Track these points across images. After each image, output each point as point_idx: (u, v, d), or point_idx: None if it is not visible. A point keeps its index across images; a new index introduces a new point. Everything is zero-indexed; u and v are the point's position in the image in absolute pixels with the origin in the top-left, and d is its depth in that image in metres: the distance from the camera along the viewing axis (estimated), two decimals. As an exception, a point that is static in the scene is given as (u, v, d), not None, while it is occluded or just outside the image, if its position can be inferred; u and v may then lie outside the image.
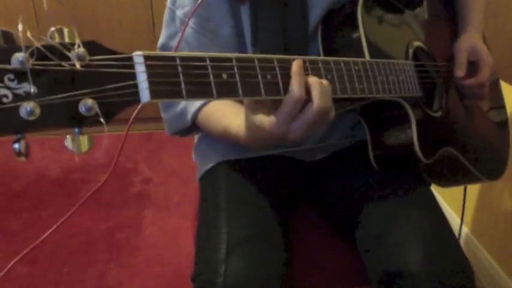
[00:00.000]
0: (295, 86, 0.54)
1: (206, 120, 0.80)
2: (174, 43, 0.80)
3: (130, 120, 0.58)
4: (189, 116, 0.81)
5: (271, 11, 0.77)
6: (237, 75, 0.50)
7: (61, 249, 1.57)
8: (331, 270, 0.86)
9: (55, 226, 0.68)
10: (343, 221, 0.86)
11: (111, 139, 0.43)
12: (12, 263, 0.70)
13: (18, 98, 0.37)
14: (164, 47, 0.84)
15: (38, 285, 1.44)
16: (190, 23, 0.79)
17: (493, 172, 1.01)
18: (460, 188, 1.13)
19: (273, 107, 0.57)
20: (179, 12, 0.80)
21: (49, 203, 1.82)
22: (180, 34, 0.75)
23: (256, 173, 0.86)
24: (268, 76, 0.53)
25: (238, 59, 0.51)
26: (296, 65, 0.55)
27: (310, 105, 0.55)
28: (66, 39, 0.39)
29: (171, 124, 0.86)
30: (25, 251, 0.64)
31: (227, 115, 0.73)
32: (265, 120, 0.58)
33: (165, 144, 2.24)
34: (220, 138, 0.80)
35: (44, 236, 0.68)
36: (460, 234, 1.17)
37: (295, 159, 0.92)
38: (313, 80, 0.56)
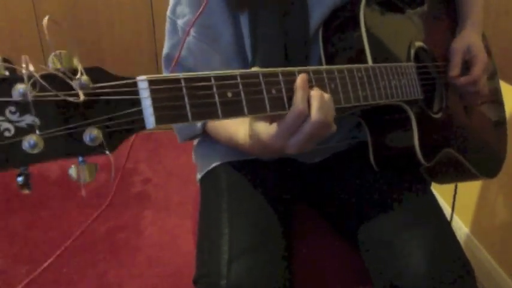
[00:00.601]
0: (298, 100, 0.54)
1: (214, 128, 0.81)
2: (178, 52, 0.80)
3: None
4: (199, 124, 0.83)
5: (271, 18, 0.77)
6: (242, 93, 0.49)
7: (61, 249, 1.57)
8: (331, 270, 0.86)
9: (78, 233, 0.67)
10: (344, 222, 0.86)
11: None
12: (36, 272, 0.69)
13: (20, 131, 0.36)
14: (169, 57, 0.84)
15: (38, 285, 1.44)
16: (192, 32, 0.79)
17: (490, 170, 1.01)
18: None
19: (274, 117, 0.57)
20: (180, 22, 0.80)
21: (49, 203, 1.82)
22: (182, 44, 0.76)
23: (257, 174, 0.86)
24: (273, 91, 0.53)
25: (242, 76, 0.50)
26: (300, 78, 0.55)
27: (308, 119, 0.55)
28: (66, 64, 0.38)
29: (182, 132, 0.87)
30: (50, 259, 0.63)
31: (233, 123, 0.74)
32: (264, 131, 0.58)
33: (165, 144, 2.24)
34: (227, 145, 0.81)
35: (68, 242, 0.66)
36: (451, 220, 1.17)
37: (296, 161, 0.92)
38: (314, 93, 0.55)
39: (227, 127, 0.75)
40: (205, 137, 0.91)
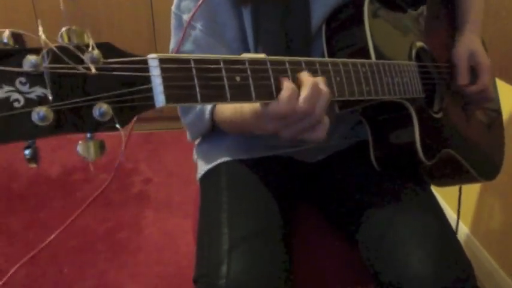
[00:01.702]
0: (282, 97, 0.53)
1: (220, 111, 0.80)
2: (185, 47, 0.80)
3: (132, 122, 0.57)
4: (207, 112, 0.81)
5: (273, 13, 0.77)
6: (250, 78, 0.50)
7: (61, 249, 1.57)
8: (331, 270, 0.86)
9: (62, 227, 0.67)
10: (344, 222, 0.86)
11: (111, 139, 0.43)
12: (18, 265, 0.69)
13: (30, 102, 0.35)
14: (176, 52, 0.84)
15: (38, 286, 1.44)
16: (199, 26, 0.79)
17: (489, 173, 1.01)
18: (457, 186, 1.14)
19: None
20: (186, 17, 0.80)
21: (49, 203, 1.82)
22: (188, 37, 0.76)
23: (258, 173, 0.86)
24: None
25: (251, 61, 0.50)
26: (287, 80, 0.54)
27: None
28: (77, 40, 0.38)
29: (192, 128, 0.87)
30: (31, 254, 0.63)
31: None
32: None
33: (165, 144, 2.24)
34: (234, 128, 0.79)
35: (51, 237, 0.67)
36: (457, 229, 1.17)
37: (297, 160, 0.92)
38: (307, 78, 0.55)
39: (232, 106, 0.74)
40: (207, 135, 0.90)
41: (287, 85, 0.53)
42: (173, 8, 0.83)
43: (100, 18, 2.20)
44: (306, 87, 0.54)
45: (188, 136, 0.90)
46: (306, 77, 0.55)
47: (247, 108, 0.67)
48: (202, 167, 0.92)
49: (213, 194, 0.84)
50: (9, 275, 0.76)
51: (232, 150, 0.88)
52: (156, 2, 2.17)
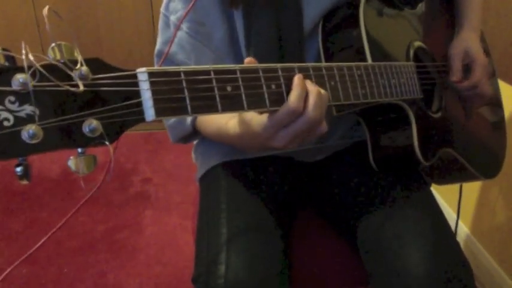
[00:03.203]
0: (294, 98, 0.53)
1: (203, 122, 0.80)
2: (170, 48, 0.80)
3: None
4: (189, 119, 0.82)
5: (265, 15, 0.77)
6: (241, 87, 0.49)
7: (61, 249, 1.57)
8: (331, 270, 0.86)
9: (58, 227, 0.68)
10: (343, 222, 0.86)
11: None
12: (15, 263, 0.70)
13: (19, 121, 0.36)
14: (160, 53, 0.83)
15: (38, 285, 1.44)
16: (184, 27, 0.79)
17: (490, 171, 1.01)
18: (457, 185, 1.14)
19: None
20: (173, 18, 0.80)
21: (49, 203, 1.82)
22: (173, 38, 0.76)
23: (257, 173, 0.86)
24: (273, 86, 0.53)
25: (242, 71, 0.50)
26: (298, 77, 0.55)
27: (303, 114, 0.54)
28: (66, 55, 0.38)
29: (173, 131, 0.87)
30: (28, 253, 0.64)
31: (223, 116, 0.72)
32: (255, 119, 0.57)
33: (165, 144, 2.24)
34: (215, 140, 0.80)
35: (47, 236, 0.67)
36: (456, 230, 1.18)
37: (295, 160, 0.92)
38: (312, 88, 0.55)
39: (216, 120, 0.74)
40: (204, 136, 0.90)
41: (299, 84, 0.54)
42: (162, 8, 0.82)
43: (100, 18, 2.20)
44: (313, 95, 0.54)
45: (170, 138, 0.90)
46: (310, 86, 0.55)
47: (232, 130, 0.66)
48: (202, 168, 0.93)
49: (212, 194, 0.84)
50: (5, 274, 0.76)
51: (231, 151, 0.88)
52: (156, 2, 2.17)
